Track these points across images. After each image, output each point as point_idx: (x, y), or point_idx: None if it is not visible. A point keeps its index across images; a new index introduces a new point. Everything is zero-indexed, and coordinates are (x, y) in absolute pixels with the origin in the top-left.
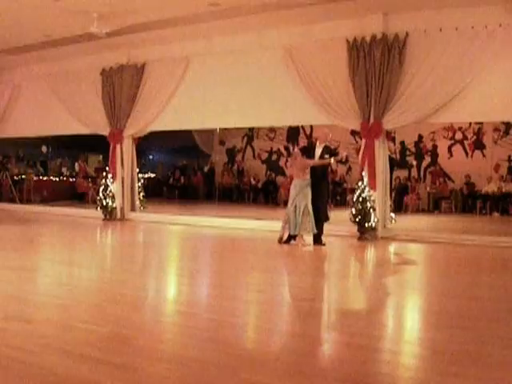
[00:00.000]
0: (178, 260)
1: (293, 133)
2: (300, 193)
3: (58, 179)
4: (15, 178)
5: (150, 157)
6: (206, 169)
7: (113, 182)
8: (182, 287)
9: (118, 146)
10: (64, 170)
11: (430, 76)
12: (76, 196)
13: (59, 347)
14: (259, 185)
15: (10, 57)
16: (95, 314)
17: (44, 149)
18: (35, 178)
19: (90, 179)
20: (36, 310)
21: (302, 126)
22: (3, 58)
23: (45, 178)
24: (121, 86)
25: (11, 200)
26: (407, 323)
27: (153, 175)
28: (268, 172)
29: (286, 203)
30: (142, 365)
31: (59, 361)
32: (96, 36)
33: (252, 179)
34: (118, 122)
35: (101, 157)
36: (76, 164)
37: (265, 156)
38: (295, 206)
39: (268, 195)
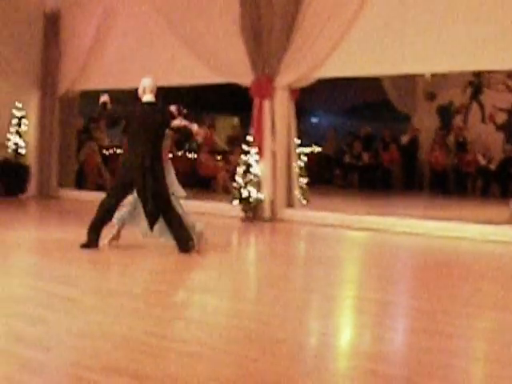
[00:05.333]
0: (370, 290)
1: None
2: None
3: (169, 155)
4: (105, 152)
5: (315, 120)
6: (403, 139)
7: (258, 161)
8: (377, 332)
9: (267, 104)
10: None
11: None
12: (198, 181)
13: None
14: (492, 166)
15: None
16: (240, 371)
17: None
18: None
19: (219, 155)
20: (148, 360)
21: None
22: None
23: None
24: (271, 7)
25: (99, 186)
26: None
27: (318, 149)
28: (508, 145)
29: None
30: None
31: None
32: None
33: (480, 157)
34: (267, 64)
35: (236, 120)
36: None
37: (502, 118)
38: None
39: (507, 183)
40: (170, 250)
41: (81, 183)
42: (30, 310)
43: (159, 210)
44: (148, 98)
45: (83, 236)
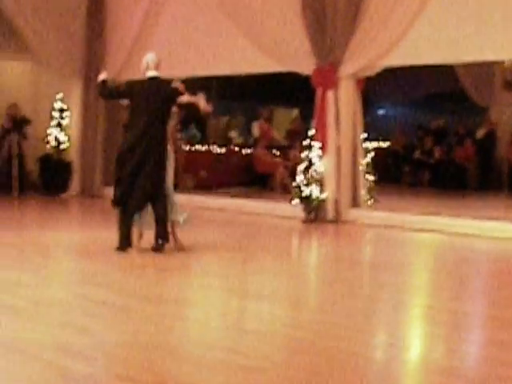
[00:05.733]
0: (442, 298)
1: None
2: None
3: (223, 150)
4: None
5: (381, 112)
6: (479, 134)
7: (321, 157)
8: (450, 344)
9: (330, 94)
10: (233, 134)
11: None
12: (254, 179)
13: None
14: None
15: None
16: None
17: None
18: (186, 148)
19: (277, 151)
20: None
21: None
22: None
23: (202, 149)
24: None
25: None
26: None
27: (385, 144)
28: None
29: None
30: None
31: None
32: None
33: None
34: (331, 51)
35: (296, 112)
36: (254, 125)
37: None
38: None
39: None
40: (224, 252)
41: None
42: (75, 318)
43: (151, 196)
44: (152, 73)
45: None
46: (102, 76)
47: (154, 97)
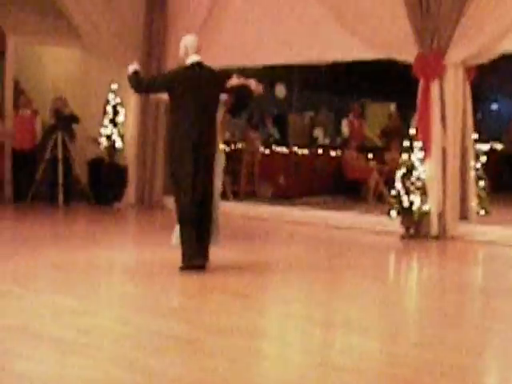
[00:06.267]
0: None
1: None
2: None
3: (305, 152)
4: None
5: (494, 107)
6: None
7: (423, 160)
8: None
9: (435, 86)
10: (318, 133)
11: None
12: (344, 187)
13: None
14: None
15: None
16: None
17: (280, 91)
18: (264, 150)
19: (371, 153)
20: None
21: None
22: None
23: (282, 150)
24: None
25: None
26: None
27: (499, 146)
28: None
29: None
30: None
31: None
32: None
33: None
34: (436, 35)
35: (393, 107)
36: (343, 122)
37: None
38: None
39: None
40: (307, 274)
41: None
42: (130, 352)
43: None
44: (194, 58)
45: None
46: (133, 67)
47: (202, 84)
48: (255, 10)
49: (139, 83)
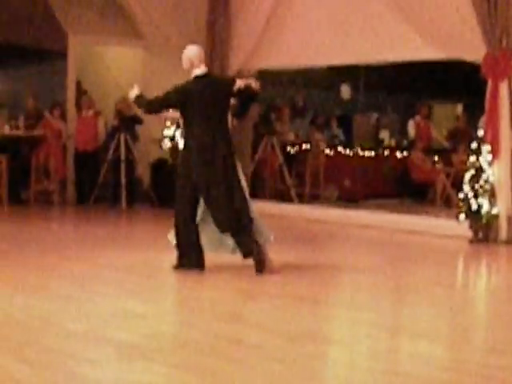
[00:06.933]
0: None
1: None
2: None
3: (371, 154)
4: (289, 149)
5: None
6: None
7: (492, 163)
8: None
9: (504, 86)
10: (384, 134)
11: None
12: (410, 189)
13: None
14: None
15: None
16: None
17: (345, 92)
18: (328, 152)
19: (438, 155)
20: None
21: None
22: None
23: (347, 152)
24: None
25: (280, 194)
26: None
27: None
28: None
29: None
30: None
31: None
32: None
33: None
34: (505, 34)
35: (460, 108)
36: (410, 123)
37: None
38: None
39: None
40: (372, 279)
41: (256, 190)
42: (193, 357)
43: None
44: (201, 69)
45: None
46: (135, 92)
47: (213, 96)
48: (319, 10)
49: (150, 104)
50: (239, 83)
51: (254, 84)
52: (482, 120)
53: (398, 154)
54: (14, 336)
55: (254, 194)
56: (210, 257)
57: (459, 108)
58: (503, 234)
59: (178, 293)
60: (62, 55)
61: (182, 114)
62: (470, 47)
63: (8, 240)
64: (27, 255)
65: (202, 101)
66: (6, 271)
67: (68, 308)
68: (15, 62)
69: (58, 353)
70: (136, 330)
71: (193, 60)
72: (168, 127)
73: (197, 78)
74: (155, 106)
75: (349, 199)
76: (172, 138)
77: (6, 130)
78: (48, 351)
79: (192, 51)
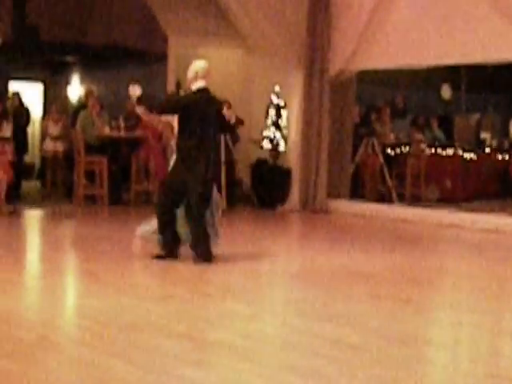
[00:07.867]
0: None
1: None
2: None
3: (472, 155)
4: (389, 151)
5: None
6: None
7: None
8: None
9: None
10: (485, 135)
11: None
12: (509, 189)
13: None
14: None
15: None
16: None
17: (446, 92)
18: (429, 152)
19: None
20: None
21: None
22: None
23: (447, 153)
24: None
25: (381, 196)
26: None
27: None
28: None
29: None
30: None
31: None
32: None
33: None
34: None
35: None
36: (511, 124)
37: None
38: None
39: None
40: (475, 281)
41: (357, 192)
42: (298, 359)
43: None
44: (201, 83)
45: (357, 261)
46: (137, 91)
47: (208, 109)
48: (420, 10)
49: (164, 104)
50: (225, 111)
51: (229, 115)
52: None
53: (499, 156)
54: (120, 338)
55: (356, 197)
56: (311, 258)
57: None
58: None
59: (279, 294)
60: (163, 57)
61: (180, 122)
62: None
63: (109, 240)
64: (129, 256)
65: (198, 111)
66: (110, 271)
67: (173, 309)
68: (116, 63)
69: (164, 355)
70: (239, 331)
71: (198, 73)
72: (268, 128)
73: (197, 91)
74: (171, 103)
75: (450, 200)
76: (271, 139)
77: (107, 131)
78: (153, 352)
79: (199, 65)
